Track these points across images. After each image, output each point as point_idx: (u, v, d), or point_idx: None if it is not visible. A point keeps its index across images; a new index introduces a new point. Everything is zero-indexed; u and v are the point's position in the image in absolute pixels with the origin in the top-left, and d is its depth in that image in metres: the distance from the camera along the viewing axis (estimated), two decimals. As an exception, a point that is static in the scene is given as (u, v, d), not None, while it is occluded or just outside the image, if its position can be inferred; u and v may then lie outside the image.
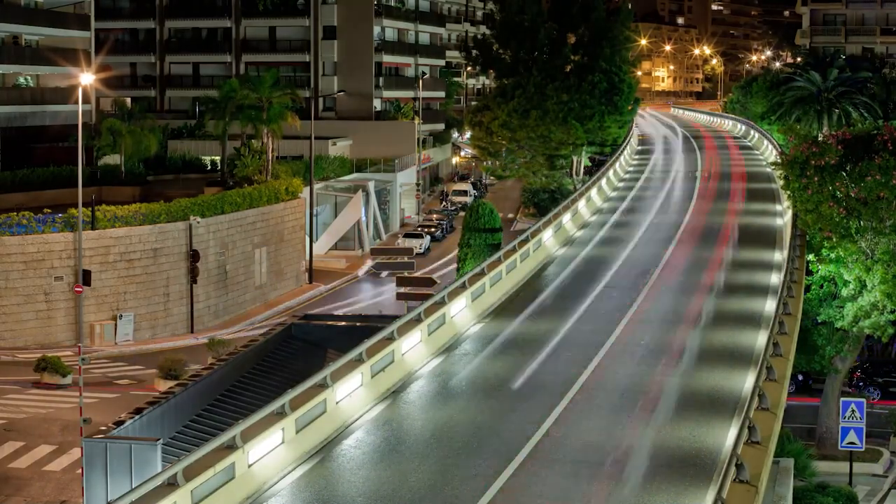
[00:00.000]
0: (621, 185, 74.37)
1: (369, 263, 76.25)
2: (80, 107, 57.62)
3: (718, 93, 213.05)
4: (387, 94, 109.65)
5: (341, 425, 28.03)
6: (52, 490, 37.67)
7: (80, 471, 32.50)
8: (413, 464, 25.96)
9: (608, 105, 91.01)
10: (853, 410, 42.88)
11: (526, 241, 46.69)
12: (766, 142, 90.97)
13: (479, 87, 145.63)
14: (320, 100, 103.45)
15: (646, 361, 33.99)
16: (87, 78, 63.82)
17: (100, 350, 56.20)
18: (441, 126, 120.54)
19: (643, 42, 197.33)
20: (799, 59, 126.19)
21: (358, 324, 41.96)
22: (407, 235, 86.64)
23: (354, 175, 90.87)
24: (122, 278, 58.85)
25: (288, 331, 40.72)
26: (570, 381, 31.92)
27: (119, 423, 29.88)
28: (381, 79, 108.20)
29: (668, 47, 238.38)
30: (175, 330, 60.84)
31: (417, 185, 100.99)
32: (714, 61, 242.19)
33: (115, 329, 57.93)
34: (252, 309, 66.54)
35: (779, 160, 55.12)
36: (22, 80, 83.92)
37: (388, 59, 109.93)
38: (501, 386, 31.63)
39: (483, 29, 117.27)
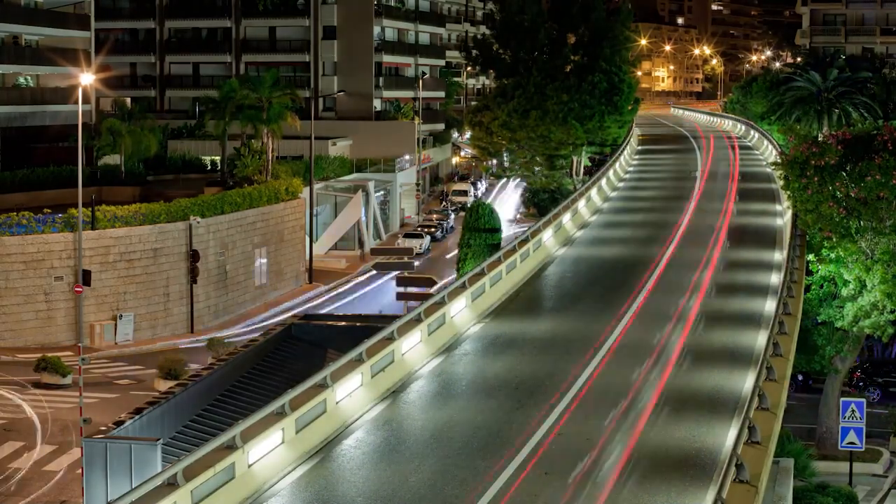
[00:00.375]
0: (621, 184, 74.39)
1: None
2: (80, 107, 57.60)
3: (718, 93, 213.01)
4: (387, 94, 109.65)
5: (341, 425, 28.04)
6: (52, 490, 37.69)
7: (80, 471, 32.50)
8: (413, 464, 25.96)
9: (608, 105, 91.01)
10: (853, 410, 42.87)
11: (526, 241, 46.73)
12: (765, 142, 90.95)
13: (479, 87, 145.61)
14: (320, 100, 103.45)
15: (646, 361, 34.00)
16: (87, 78, 63.81)
17: (100, 350, 56.21)
18: (441, 126, 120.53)
19: (643, 42, 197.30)
20: (799, 59, 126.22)
21: (358, 324, 41.95)
22: (407, 235, 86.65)
23: (354, 175, 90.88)
24: (122, 278, 58.85)
25: (288, 331, 40.72)
26: (570, 380, 31.94)
27: (119, 423, 29.87)
28: (381, 79, 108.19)
29: (668, 47, 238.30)
30: (175, 330, 60.84)
31: (417, 185, 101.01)
32: (714, 61, 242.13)
33: (115, 329, 57.93)
34: (252, 309, 66.54)
35: (779, 160, 55.11)
36: (22, 80, 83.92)
37: (388, 59, 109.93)
38: (501, 386, 31.64)
39: (483, 29, 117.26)
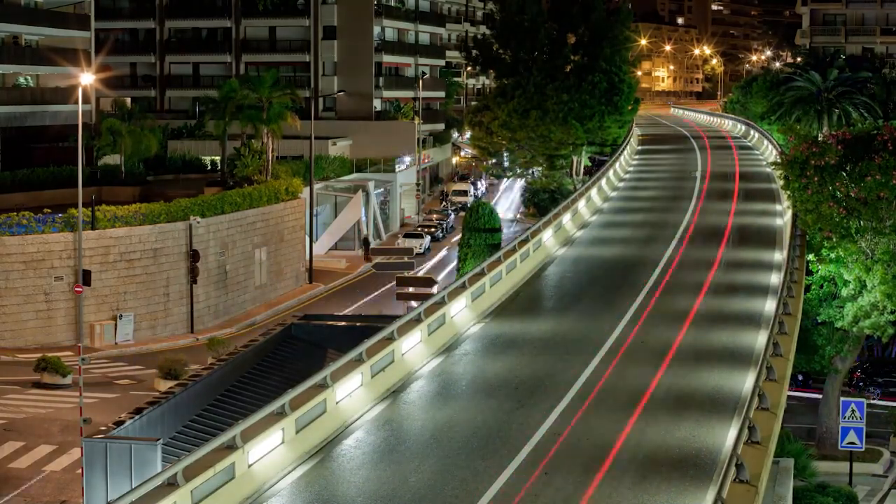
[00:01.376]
0: (621, 184, 74.39)
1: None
2: (80, 107, 57.56)
3: (718, 93, 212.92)
4: (387, 94, 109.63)
5: (341, 425, 28.04)
6: (52, 490, 37.67)
7: (80, 471, 32.49)
8: (413, 464, 25.96)
9: (608, 105, 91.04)
10: (853, 410, 42.89)
11: (526, 241, 46.73)
12: (765, 142, 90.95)
13: (479, 87, 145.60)
14: (320, 100, 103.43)
15: (646, 361, 34.00)
16: (87, 78, 63.78)
17: (100, 350, 56.20)
18: (441, 126, 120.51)
19: (643, 42, 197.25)
20: (799, 59, 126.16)
21: (358, 324, 41.96)
22: (407, 235, 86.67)
23: (354, 175, 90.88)
24: (122, 278, 58.84)
25: (288, 331, 40.72)
26: (569, 380, 31.93)
27: (119, 423, 29.88)
28: (381, 79, 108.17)
29: (668, 47, 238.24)
30: (175, 330, 60.84)
31: (417, 185, 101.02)
32: (714, 61, 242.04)
33: (115, 329, 57.92)
34: (252, 309, 66.53)
35: (779, 160, 55.12)
36: (22, 80, 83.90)
37: (388, 59, 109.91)
38: (501, 386, 31.64)
39: (483, 29, 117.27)
